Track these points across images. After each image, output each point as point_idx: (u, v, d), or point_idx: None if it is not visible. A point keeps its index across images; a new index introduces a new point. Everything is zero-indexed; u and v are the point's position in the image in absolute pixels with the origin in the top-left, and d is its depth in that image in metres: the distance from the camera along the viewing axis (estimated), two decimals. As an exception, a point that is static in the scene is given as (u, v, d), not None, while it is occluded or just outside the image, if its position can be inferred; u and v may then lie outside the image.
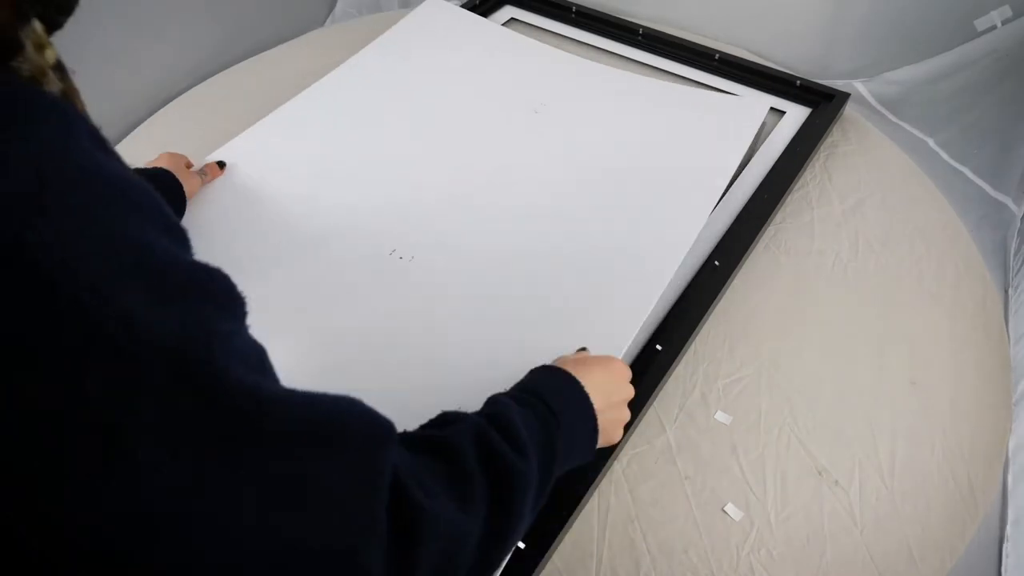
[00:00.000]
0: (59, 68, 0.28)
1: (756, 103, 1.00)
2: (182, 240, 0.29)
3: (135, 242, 0.25)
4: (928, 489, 0.64)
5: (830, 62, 1.15)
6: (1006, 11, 0.99)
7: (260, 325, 0.31)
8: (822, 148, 0.96)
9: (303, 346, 0.69)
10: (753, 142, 0.93)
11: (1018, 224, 0.95)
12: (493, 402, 0.48)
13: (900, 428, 0.68)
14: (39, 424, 0.22)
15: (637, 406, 0.65)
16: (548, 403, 0.47)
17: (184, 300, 0.25)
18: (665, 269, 0.74)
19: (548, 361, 0.56)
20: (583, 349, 0.63)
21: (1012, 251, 0.92)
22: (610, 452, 0.62)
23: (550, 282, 0.74)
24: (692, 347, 0.74)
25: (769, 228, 0.85)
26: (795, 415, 0.69)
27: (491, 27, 1.16)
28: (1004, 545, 0.66)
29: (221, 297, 0.28)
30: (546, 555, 0.57)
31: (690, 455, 0.66)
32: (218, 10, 1.17)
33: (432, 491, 0.35)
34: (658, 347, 0.70)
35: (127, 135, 1.02)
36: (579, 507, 0.60)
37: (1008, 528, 0.66)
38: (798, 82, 1.03)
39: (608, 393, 0.53)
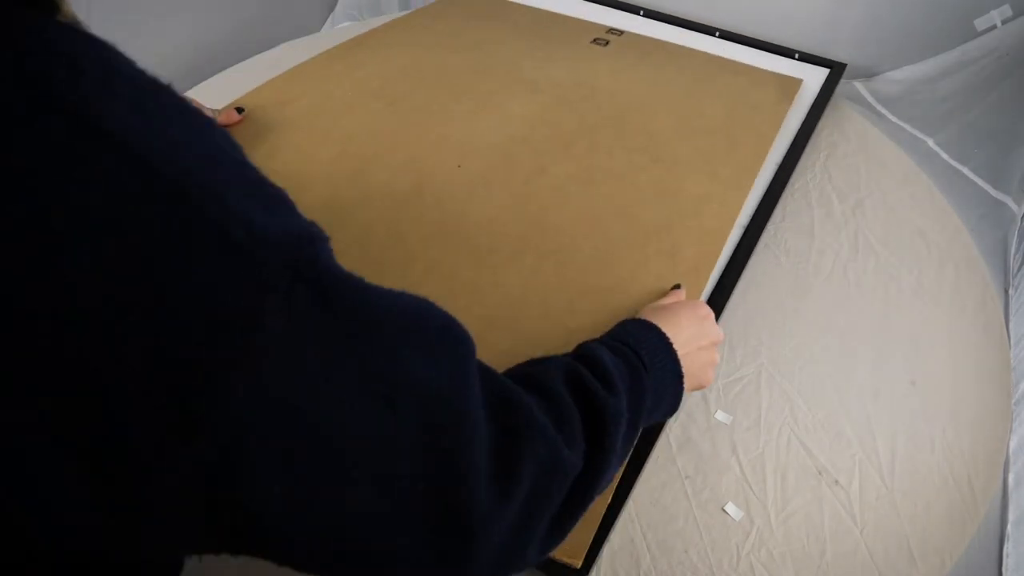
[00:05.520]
0: None
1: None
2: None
3: (229, 155, 0.27)
4: (928, 489, 0.64)
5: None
6: (1006, 11, 0.99)
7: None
8: (822, 148, 0.97)
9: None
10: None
11: (1018, 224, 0.95)
12: (582, 346, 0.49)
13: (900, 428, 0.68)
14: (182, 322, 0.23)
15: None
16: (636, 350, 0.48)
17: (281, 209, 0.27)
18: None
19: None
20: (677, 286, 0.67)
21: (1012, 251, 0.92)
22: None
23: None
24: (692, 347, 0.74)
25: (769, 228, 0.85)
26: (795, 415, 0.69)
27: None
28: (1004, 545, 0.66)
29: (299, 210, 0.30)
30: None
31: (690, 455, 0.66)
32: (218, 10, 1.17)
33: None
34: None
35: (127, 135, 1.02)
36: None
37: (1009, 528, 0.66)
38: (796, 55, 1.04)
39: (696, 337, 0.54)
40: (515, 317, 0.65)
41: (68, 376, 0.22)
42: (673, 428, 0.67)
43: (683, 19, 1.16)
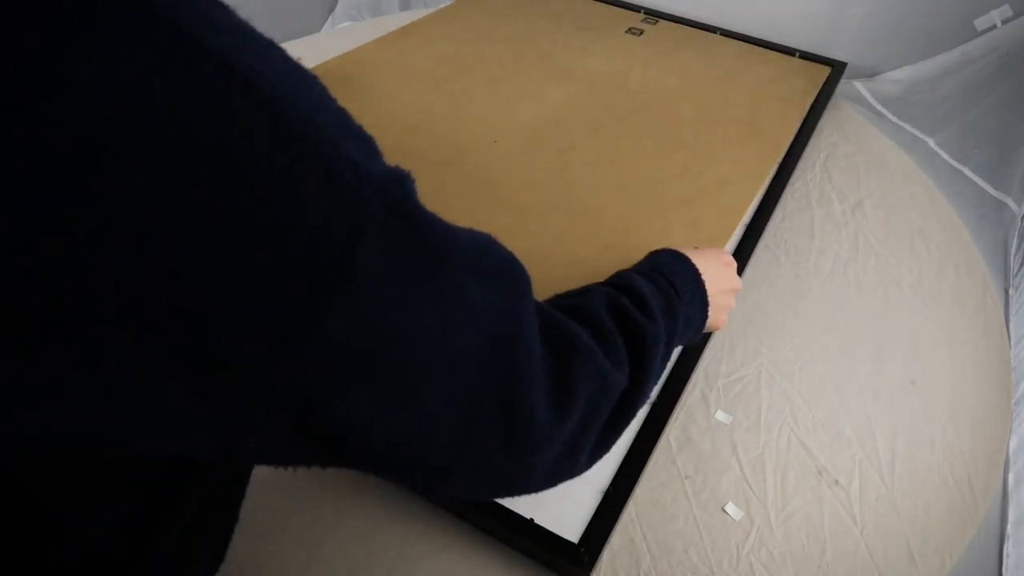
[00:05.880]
0: None
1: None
2: None
3: (334, 104, 0.29)
4: (928, 489, 0.64)
5: (830, 62, 1.15)
6: (1006, 11, 0.99)
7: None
8: (822, 148, 0.97)
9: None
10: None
11: (1018, 224, 0.95)
12: (619, 275, 0.52)
13: (900, 428, 0.68)
14: (294, 252, 0.25)
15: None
16: (669, 279, 0.52)
17: (374, 153, 0.30)
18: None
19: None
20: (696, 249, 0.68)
21: (1012, 251, 0.92)
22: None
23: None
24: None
25: (769, 228, 0.85)
26: (795, 415, 0.69)
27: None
28: (1004, 545, 0.66)
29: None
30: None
31: (690, 455, 0.66)
32: (218, 10, 1.17)
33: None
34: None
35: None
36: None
37: (1009, 528, 0.66)
38: (797, 54, 1.06)
39: (718, 280, 0.57)
40: (545, 264, 0.70)
41: (183, 293, 0.24)
42: (673, 428, 0.67)
43: (684, 18, 1.17)
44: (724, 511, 0.62)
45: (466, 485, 0.37)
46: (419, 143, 0.84)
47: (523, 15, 1.17)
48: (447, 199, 0.76)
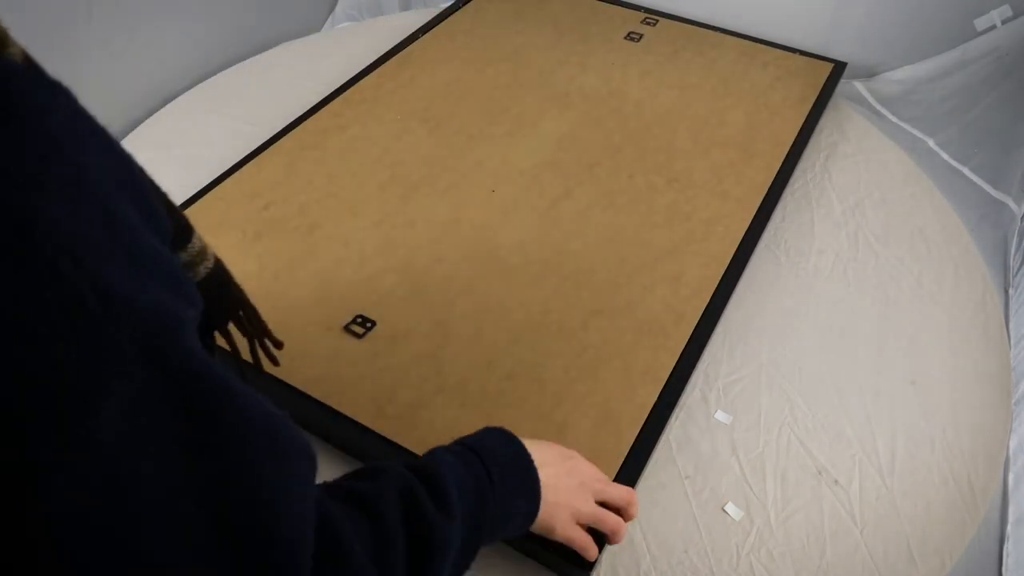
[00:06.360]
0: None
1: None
2: (158, 227, 0.29)
3: (120, 216, 0.25)
4: (928, 489, 0.64)
5: (830, 62, 1.15)
6: (1006, 11, 0.99)
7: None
8: (822, 148, 0.97)
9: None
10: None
11: (1018, 224, 0.95)
12: (431, 454, 0.46)
13: (900, 428, 0.68)
14: (17, 388, 0.22)
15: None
16: (487, 465, 0.45)
17: (156, 282, 0.25)
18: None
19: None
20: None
21: (1012, 251, 0.92)
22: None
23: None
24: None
25: (769, 228, 0.85)
26: (795, 415, 0.69)
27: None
28: (1004, 545, 0.66)
29: (186, 287, 0.29)
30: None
31: (690, 455, 0.66)
32: (218, 10, 1.17)
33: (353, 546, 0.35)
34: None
35: (127, 135, 1.02)
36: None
37: (1009, 528, 0.66)
38: (797, 54, 1.07)
39: (559, 474, 0.51)
40: (537, 332, 0.72)
41: None
42: (673, 428, 0.67)
43: (685, 18, 1.16)
44: (724, 511, 0.62)
45: None
46: (422, 200, 0.86)
47: (524, 23, 1.16)
48: (446, 268, 0.78)
